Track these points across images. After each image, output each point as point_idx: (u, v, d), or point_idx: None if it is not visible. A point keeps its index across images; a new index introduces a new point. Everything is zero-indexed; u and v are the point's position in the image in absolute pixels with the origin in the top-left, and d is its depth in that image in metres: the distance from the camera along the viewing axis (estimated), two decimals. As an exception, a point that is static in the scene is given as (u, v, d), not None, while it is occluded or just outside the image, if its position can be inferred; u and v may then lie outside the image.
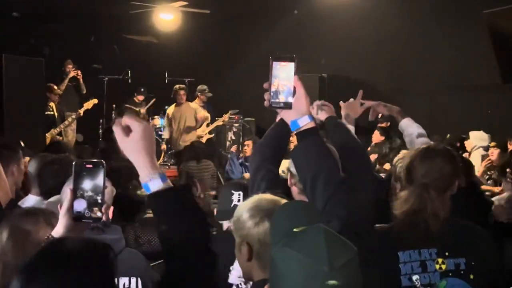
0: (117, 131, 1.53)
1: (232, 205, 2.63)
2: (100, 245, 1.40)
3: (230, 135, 10.37)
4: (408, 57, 9.10)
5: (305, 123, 1.76)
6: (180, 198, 1.56)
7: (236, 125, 10.34)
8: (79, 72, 9.52)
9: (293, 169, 2.57)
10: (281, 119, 2.09)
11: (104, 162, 1.60)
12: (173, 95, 9.35)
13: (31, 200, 2.94)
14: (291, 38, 10.49)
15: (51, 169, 2.97)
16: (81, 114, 8.56)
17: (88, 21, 11.30)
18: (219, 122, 9.82)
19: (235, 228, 1.85)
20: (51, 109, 8.53)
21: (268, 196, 1.88)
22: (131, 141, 1.52)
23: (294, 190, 2.55)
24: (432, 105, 9.03)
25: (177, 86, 9.40)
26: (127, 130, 1.53)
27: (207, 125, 9.82)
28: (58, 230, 1.60)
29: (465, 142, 7.07)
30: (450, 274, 2.13)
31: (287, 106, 1.74)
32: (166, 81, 11.29)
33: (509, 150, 6.23)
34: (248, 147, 7.73)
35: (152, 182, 1.51)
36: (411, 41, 9.05)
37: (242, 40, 11.33)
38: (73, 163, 1.60)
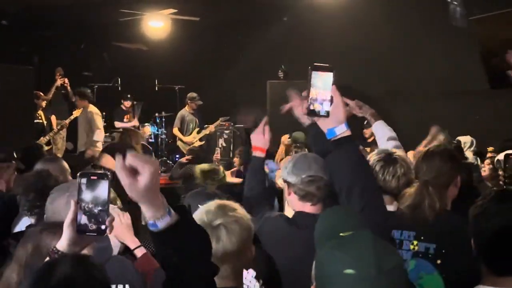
0: (121, 176, 1.38)
1: None
2: (97, 271, 1.36)
3: (221, 142, 10.36)
4: (399, 63, 9.14)
5: (342, 131, 1.80)
6: (186, 229, 1.47)
7: (227, 132, 10.34)
8: (66, 80, 9.46)
9: (291, 179, 2.59)
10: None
11: (108, 174, 1.55)
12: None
13: (23, 223, 2.98)
14: (281, 45, 10.53)
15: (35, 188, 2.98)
16: (67, 124, 8.52)
17: (78, 29, 11.28)
18: (210, 129, 9.83)
19: None
20: (40, 117, 8.49)
21: (216, 204, 1.89)
22: (139, 185, 1.38)
23: (293, 197, 2.61)
24: (422, 111, 9.06)
25: None
26: (133, 172, 1.38)
27: (198, 132, 9.83)
28: (62, 243, 1.55)
29: None
30: (420, 255, 2.51)
31: (325, 114, 1.78)
32: (156, 89, 11.29)
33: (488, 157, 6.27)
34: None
35: (161, 221, 1.42)
36: (401, 48, 9.10)
37: (231, 48, 11.35)
38: (78, 174, 1.55)
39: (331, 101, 1.78)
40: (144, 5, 9.87)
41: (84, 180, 1.53)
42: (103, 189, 1.53)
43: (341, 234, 1.39)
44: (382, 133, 3.21)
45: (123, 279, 2.28)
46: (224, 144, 10.37)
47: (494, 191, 1.91)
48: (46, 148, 8.08)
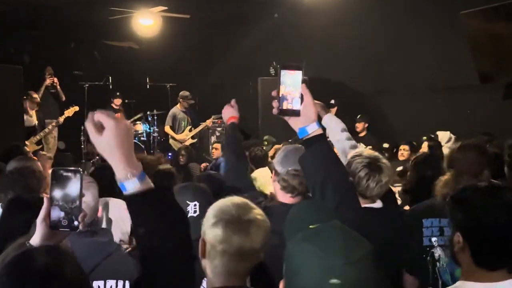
0: (89, 128, 1.46)
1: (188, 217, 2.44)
2: (70, 262, 1.35)
3: (213, 140, 10.36)
4: (388, 58, 9.17)
5: (313, 130, 1.78)
6: (158, 201, 1.49)
7: (219, 129, 10.34)
8: (55, 79, 9.40)
9: (278, 168, 2.69)
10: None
11: (81, 170, 1.56)
12: None
13: None
14: (272, 42, 10.53)
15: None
16: (61, 122, 8.49)
17: (68, 28, 11.21)
18: (202, 127, 9.82)
19: (203, 222, 1.85)
20: (30, 117, 8.44)
21: (241, 200, 1.87)
22: (104, 138, 1.45)
23: (277, 186, 2.72)
24: (411, 106, 9.10)
25: None
26: (100, 127, 1.46)
27: (190, 130, 9.81)
28: (35, 239, 1.56)
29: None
30: None
31: (295, 113, 1.76)
32: (148, 87, 11.26)
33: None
34: (217, 150, 7.87)
35: (127, 183, 1.45)
36: (391, 43, 9.12)
37: (223, 44, 11.34)
38: (51, 171, 1.56)
39: (302, 99, 1.76)
40: (134, 3, 9.83)
41: (56, 177, 1.54)
42: (75, 185, 1.54)
43: (310, 226, 1.38)
44: (335, 125, 3.23)
45: (123, 275, 2.27)
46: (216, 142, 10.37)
47: (480, 185, 1.89)
48: (37, 147, 8.06)
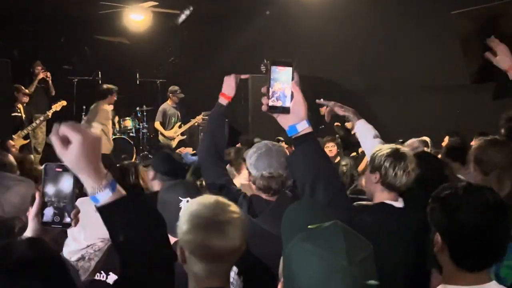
0: (54, 141, 1.42)
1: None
2: (51, 256, 1.34)
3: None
4: (380, 57, 9.18)
5: (303, 128, 1.74)
6: (132, 207, 1.46)
7: (209, 126, 10.28)
8: (48, 73, 9.35)
9: (252, 171, 2.77)
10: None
11: None
12: None
13: None
14: (263, 39, 10.52)
15: None
16: (49, 116, 8.42)
17: (58, 22, 11.12)
18: (192, 123, 9.78)
19: (177, 227, 1.81)
20: (18, 111, 8.36)
21: (212, 199, 1.83)
22: (71, 153, 1.40)
23: (253, 186, 2.82)
24: (403, 106, 9.13)
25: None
26: (66, 141, 1.42)
27: (179, 127, 9.77)
28: (27, 235, 1.55)
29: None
30: None
31: (285, 110, 1.72)
32: (138, 82, 11.20)
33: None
34: None
35: (99, 194, 1.42)
36: (383, 42, 9.14)
37: (214, 40, 11.30)
38: (43, 166, 1.55)
39: (292, 97, 1.72)
40: (125, -3, 9.77)
41: (48, 172, 1.53)
42: (68, 181, 1.53)
43: (309, 226, 1.35)
44: (366, 131, 3.20)
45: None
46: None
47: (459, 185, 1.83)
48: (24, 142, 7.98)
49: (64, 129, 1.42)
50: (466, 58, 4.12)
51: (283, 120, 1.75)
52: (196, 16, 10.90)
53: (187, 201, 2.38)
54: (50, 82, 9.42)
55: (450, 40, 7.40)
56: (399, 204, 2.74)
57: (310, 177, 1.78)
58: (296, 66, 1.73)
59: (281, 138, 7.44)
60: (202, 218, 1.73)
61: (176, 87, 9.75)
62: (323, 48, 9.42)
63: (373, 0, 9.04)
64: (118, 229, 1.45)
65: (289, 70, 1.71)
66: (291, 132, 1.75)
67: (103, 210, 1.43)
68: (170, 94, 9.74)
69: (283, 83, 1.71)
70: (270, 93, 1.71)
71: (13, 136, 7.77)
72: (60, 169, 1.52)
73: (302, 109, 1.74)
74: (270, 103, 1.71)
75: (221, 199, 1.84)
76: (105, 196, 1.42)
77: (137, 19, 10.45)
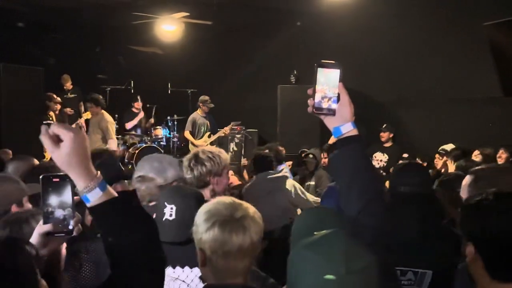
0: (45, 141, 1.43)
1: (164, 219, 2.32)
2: (25, 255, 1.35)
3: (232, 146, 10.36)
4: (408, 69, 9.10)
5: (347, 130, 1.73)
6: (123, 208, 1.47)
7: (238, 136, 10.34)
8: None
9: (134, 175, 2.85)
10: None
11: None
12: None
13: None
14: (293, 50, 10.53)
15: None
16: (83, 124, 8.56)
17: (93, 32, 11.36)
18: (221, 133, 9.83)
19: (193, 231, 1.84)
20: (50, 119, 8.51)
21: (227, 199, 1.88)
22: (61, 152, 1.42)
23: None
24: (432, 118, 9.01)
25: None
26: (57, 140, 1.43)
27: (209, 136, 9.84)
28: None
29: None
30: None
31: (331, 112, 1.71)
32: (169, 92, 11.34)
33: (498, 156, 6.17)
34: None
35: (90, 194, 1.43)
36: (411, 53, 9.05)
37: (244, 51, 11.37)
38: (40, 178, 1.56)
39: (338, 99, 1.72)
40: (157, 8, 9.91)
41: (47, 184, 1.56)
42: (66, 190, 1.56)
43: (315, 233, 1.36)
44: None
45: None
46: (235, 148, 10.37)
47: (491, 192, 1.73)
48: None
49: (55, 128, 1.44)
50: (499, 70, 4.05)
51: (329, 122, 1.74)
52: (227, 26, 11.00)
53: (171, 208, 2.33)
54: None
55: (482, 51, 7.33)
56: None
57: (347, 180, 1.74)
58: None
59: (307, 150, 7.42)
60: (221, 215, 1.78)
61: (206, 97, 9.82)
62: (352, 60, 9.37)
63: (403, 13, 8.97)
64: (108, 230, 1.46)
65: (336, 72, 1.71)
66: (336, 134, 1.74)
67: (93, 210, 1.44)
68: (200, 104, 9.82)
69: (329, 85, 1.71)
70: (316, 95, 1.71)
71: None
72: (58, 179, 1.56)
73: (347, 110, 1.72)
74: (316, 105, 1.71)
75: (235, 199, 1.89)
76: (95, 196, 1.43)
77: (169, 29, 10.59)
